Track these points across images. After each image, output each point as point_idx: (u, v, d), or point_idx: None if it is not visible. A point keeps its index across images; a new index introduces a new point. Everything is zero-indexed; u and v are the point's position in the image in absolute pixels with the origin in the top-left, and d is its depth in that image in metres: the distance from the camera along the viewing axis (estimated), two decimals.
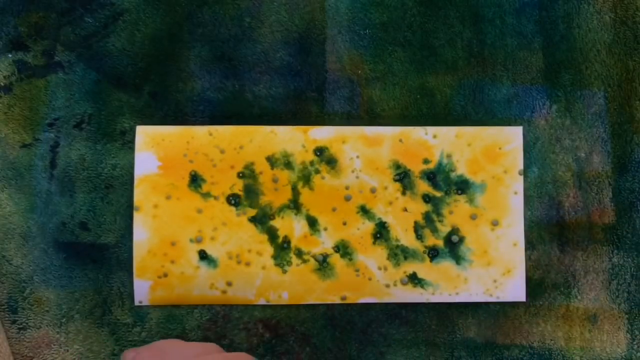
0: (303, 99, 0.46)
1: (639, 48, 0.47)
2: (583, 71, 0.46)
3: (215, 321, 0.45)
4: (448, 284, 0.45)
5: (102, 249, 0.45)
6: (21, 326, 0.45)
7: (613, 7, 0.47)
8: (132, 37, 0.46)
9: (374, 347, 0.45)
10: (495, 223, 0.46)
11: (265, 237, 0.45)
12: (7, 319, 0.45)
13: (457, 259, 0.46)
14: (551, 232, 0.46)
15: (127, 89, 0.46)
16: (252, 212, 0.45)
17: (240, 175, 0.45)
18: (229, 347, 0.45)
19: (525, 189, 0.46)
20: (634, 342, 0.45)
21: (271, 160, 0.45)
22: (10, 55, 0.46)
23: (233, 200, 0.45)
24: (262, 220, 0.45)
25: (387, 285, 0.45)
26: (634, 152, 0.46)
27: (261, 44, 0.46)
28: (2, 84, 0.45)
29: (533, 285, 0.46)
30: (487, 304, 0.46)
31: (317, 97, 0.46)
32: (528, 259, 0.46)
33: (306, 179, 0.46)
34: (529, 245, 0.46)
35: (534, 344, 0.45)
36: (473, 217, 0.46)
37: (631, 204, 0.46)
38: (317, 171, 0.46)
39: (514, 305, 0.46)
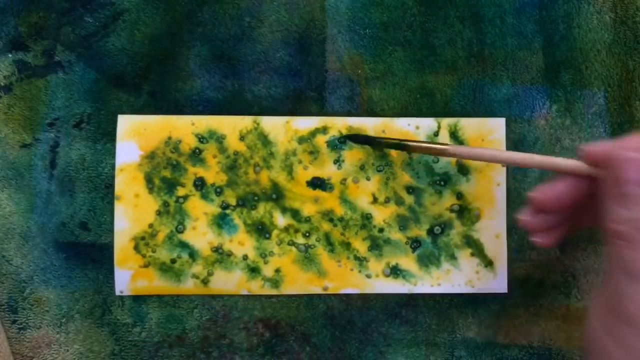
0: (303, 99, 0.46)
1: (639, 48, 0.47)
2: (583, 71, 0.46)
3: (215, 321, 0.45)
4: (430, 275, 0.45)
5: (102, 249, 0.45)
6: (21, 326, 0.45)
7: (613, 7, 0.47)
8: (132, 36, 0.46)
9: (374, 346, 0.45)
10: (477, 215, 0.46)
11: (247, 227, 0.45)
12: (7, 319, 0.45)
13: (440, 250, 0.46)
14: None
15: (127, 88, 0.46)
16: (233, 201, 0.45)
17: (222, 164, 0.45)
18: (229, 347, 0.45)
19: (526, 189, 0.46)
20: None
21: (253, 150, 0.45)
22: (10, 55, 0.45)
23: (215, 189, 0.45)
24: (243, 210, 0.45)
25: (369, 276, 0.45)
26: None
27: (261, 43, 0.46)
28: (2, 84, 0.45)
29: (533, 285, 0.46)
30: (484, 300, 0.46)
31: (317, 97, 0.46)
32: (528, 258, 0.46)
33: (288, 168, 0.46)
34: (529, 245, 0.46)
35: (534, 344, 0.46)
36: (455, 208, 0.46)
37: None
38: (300, 161, 0.46)
39: (514, 304, 0.46)
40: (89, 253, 0.45)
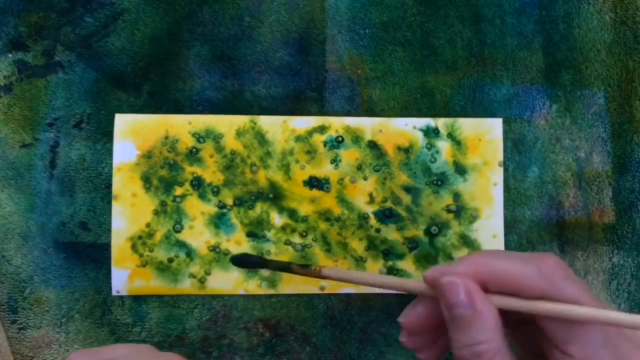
0: (303, 99, 0.46)
1: (639, 48, 0.47)
2: (583, 71, 0.46)
3: (215, 321, 0.45)
4: None
5: (102, 249, 0.45)
6: (21, 326, 0.45)
7: (613, 7, 0.47)
8: (132, 36, 0.46)
9: (374, 346, 0.45)
10: (474, 214, 0.46)
11: (244, 226, 0.45)
12: (7, 319, 0.45)
13: (437, 250, 0.46)
14: (551, 232, 0.46)
15: (127, 88, 0.46)
16: (230, 201, 0.45)
17: (219, 163, 0.45)
18: (229, 347, 0.45)
19: (526, 189, 0.46)
20: None
21: (250, 149, 0.45)
22: (10, 55, 0.45)
23: (212, 189, 0.45)
24: (240, 209, 0.45)
25: None
26: (634, 152, 0.46)
27: (261, 43, 0.46)
28: (2, 84, 0.45)
29: None
30: None
31: (317, 97, 0.46)
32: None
33: (285, 168, 0.46)
34: (529, 245, 0.46)
35: None
36: (453, 208, 0.46)
37: (631, 204, 0.46)
38: (297, 161, 0.46)
39: None
40: (88, 253, 0.45)
